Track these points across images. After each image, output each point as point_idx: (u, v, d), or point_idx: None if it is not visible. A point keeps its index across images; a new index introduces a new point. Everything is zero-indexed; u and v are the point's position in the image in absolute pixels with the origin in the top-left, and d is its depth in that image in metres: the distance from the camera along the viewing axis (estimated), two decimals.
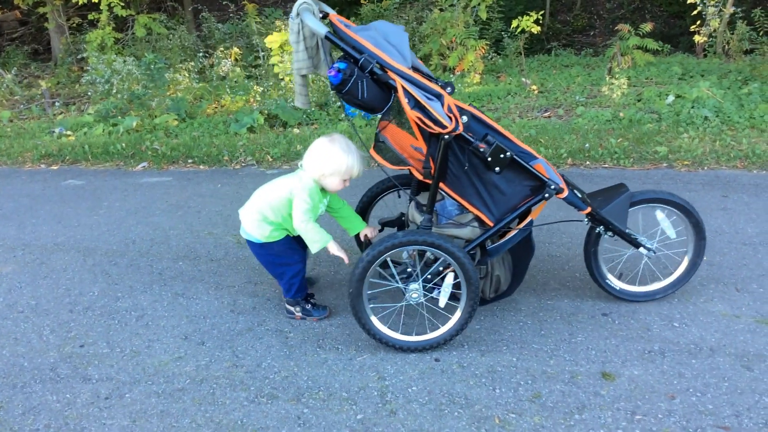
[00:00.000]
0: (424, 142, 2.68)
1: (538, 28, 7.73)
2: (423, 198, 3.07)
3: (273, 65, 7.81)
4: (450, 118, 2.58)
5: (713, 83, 6.90)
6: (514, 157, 2.74)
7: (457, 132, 2.61)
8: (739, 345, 2.87)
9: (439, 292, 2.87)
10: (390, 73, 2.55)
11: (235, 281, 3.60)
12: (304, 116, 6.52)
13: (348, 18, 10.34)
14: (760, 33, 8.75)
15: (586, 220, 3.03)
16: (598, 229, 3.06)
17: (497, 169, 2.75)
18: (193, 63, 8.99)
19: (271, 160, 5.48)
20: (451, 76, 8.53)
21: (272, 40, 7.73)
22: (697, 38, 8.99)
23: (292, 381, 2.74)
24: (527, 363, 2.81)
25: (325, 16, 2.72)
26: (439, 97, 2.63)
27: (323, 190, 2.99)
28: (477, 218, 2.90)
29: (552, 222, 3.34)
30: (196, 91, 8.03)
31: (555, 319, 3.14)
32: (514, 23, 7.75)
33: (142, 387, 2.73)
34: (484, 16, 8.92)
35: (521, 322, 3.11)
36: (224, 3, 11.69)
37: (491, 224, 2.87)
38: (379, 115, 2.80)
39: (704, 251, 3.18)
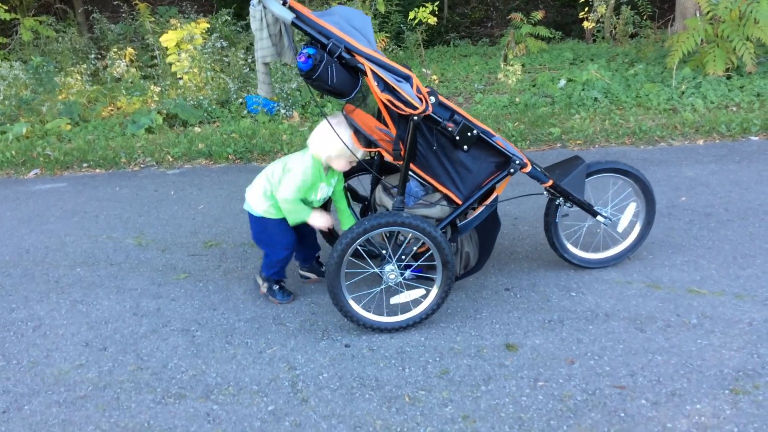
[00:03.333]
0: (393, 124, 2.71)
1: (435, 20, 7.87)
2: (389, 180, 3.10)
3: (170, 64, 7.61)
4: (420, 99, 2.62)
5: (602, 66, 7.23)
6: (480, 134, 2.81)
7: (427, 112, 2.64)
8: (631, 309, 3.03)
9: (411, 272, 2.95)
10: (358, 57, 2.56)
11: (137, 284, 3.49)
12: (205, 114, 6.40)
13: (247, 15, 10.16)
14: (644, 17, 9.23)
15: (545, 192, 3.15)
16: (557, 201, 3.17)
17: (465, 147, 2.82)
18: (85, 65, 8.63)
19: (171, 159, 5.34)
20: None
21: (168, 39, 7.52)
22: (586, 24, 9.38)
23: (200, 379, 2.69)
24: (435, 341, 2.87)
25: (284, 2, 2.66)
26: (407, 78, 2.65)
27: (331, 170, 2.97)
28: (445, 197, 2.95)
29: (514, 197, 3.37)
30: (90, 94, 7.71)
31: (461, 297, 3.21)
32: (411, 15, 7.85)
33: (42, 398, 2.62)
34: (382, 9, 8.98)
35: None
36: (116, 3, 11.28)
37: (460, 202, 2.93)
38: (343, 101, 2.81)
39: (654, 219, 3.34)
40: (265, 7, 2.65)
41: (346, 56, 2.55)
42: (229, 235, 3.98)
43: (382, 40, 8.59)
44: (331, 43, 2.53)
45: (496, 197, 2.99)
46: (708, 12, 6.60)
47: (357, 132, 2.82)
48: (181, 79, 7.43)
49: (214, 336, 2.98)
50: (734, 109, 5.88)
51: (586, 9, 9.32)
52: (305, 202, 2.98)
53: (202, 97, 6.72)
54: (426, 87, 2.78)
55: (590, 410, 2.42)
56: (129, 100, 7.25)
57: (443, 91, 7.29)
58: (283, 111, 6.28)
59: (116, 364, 2.82)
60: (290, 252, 3.11)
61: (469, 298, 3.20)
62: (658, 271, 3.34)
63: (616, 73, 7.04)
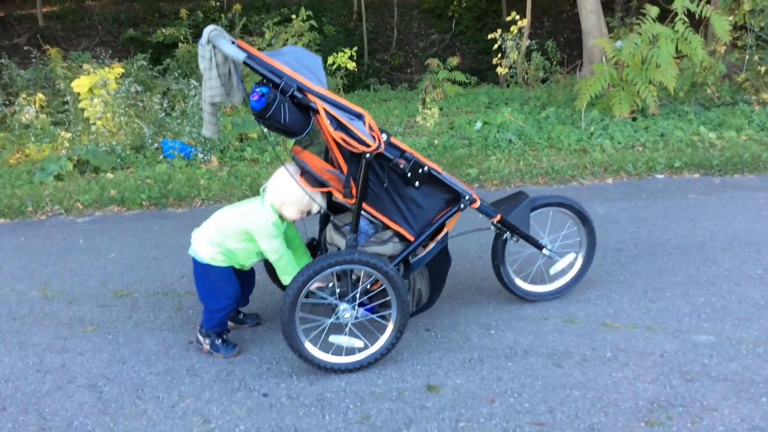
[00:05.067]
0: (344, 163, 2.72)
1: (353, 64, 7.99)
2: (338, 219, 3.08)
3: (83, 110, 7.38)
4: (373, 137, 2.65)
5: (515, 109, 7.47)
6: (431, 171, 2.86)
7: (380, 150, 2.68)
8: (549, 345, 3.07)
9: (365, 310, 2.93)
10: (310, 96, 2.57)
11: (42, 339, 3.29)
12: (119, 160, 6.21)
13: (164, 60, 10.05)
14: (554, 63, 9.65)
15: (493, 227, 3.20)
16: (504, 235, 3.22)
17: (417, 183, 2.85)
18: None
19: (81, 207, 5.13)
20: None
21: (80, 84, 7.32)
22: (499, 70, 9.73)
23: None
24: (356, 386, 2.81)
25: (232, 42, 2.63)
26: (359, 117, 2.68)
27: (281, 217, 2.91)
28: (397, 234, 2.96)
29: (463, 233, 3.37)
30: None
31: None
32: (330, 59, 7.94)
33: None
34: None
35: None
36: (27, 49, 10.95)
37: (412, 239, 2.94)
38: (292, 140, 2.83)
39: (594, 250, 3.45)
40: (214, 47, 2.61)
41: (298, 95, 2.56)
42: (141, 284, 3.82)
43: None
44: (283, 82, 2.54)
45: (447, 233, 3.02)
46: (613, 57, 6.96)
47: (305, 173, 2.81)
48: (93, 124, 7.22)
49: (123, 391, 2.82)
50: (640, 148, 6.17)
51: (499, 55, 9.67)
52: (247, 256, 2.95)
53: (115, 143, 6.53)
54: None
55: None
56: (38, 147, 6.97)
57: None
58: (200, 155, 6.18)
59: (17, 424, 2.62)
60: (233, 302, 3.00)
61: None
62: (573, 307, 3.40)
63: (529, 115, 7.29)
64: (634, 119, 6.85)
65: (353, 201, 2.77)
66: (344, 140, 2.60)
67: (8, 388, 2.89)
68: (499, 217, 3.13)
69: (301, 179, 2.81)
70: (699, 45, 6.58)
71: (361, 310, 2.91)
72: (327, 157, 2.84)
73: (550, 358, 2.96)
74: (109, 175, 5.86)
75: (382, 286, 2.84)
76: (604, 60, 7.49)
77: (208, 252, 2.90)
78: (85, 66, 8.59)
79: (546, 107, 7.74)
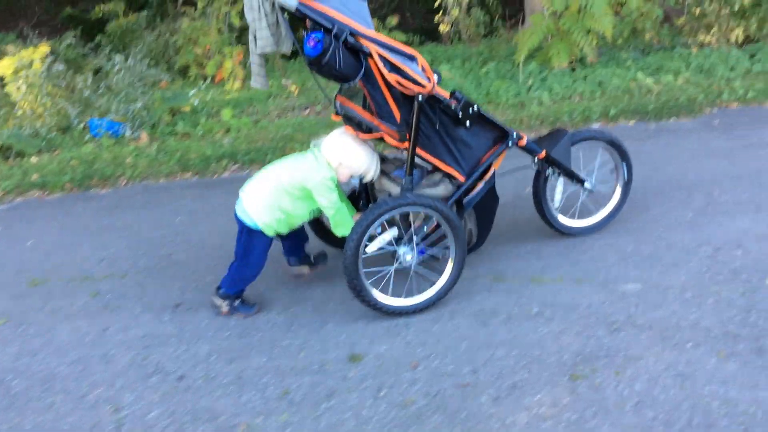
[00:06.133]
0: (396, 108, 2.72)
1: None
2: (386, 167, 3.07)
3: (8, 94, 7.05)
4: (427, 77, 2.68)
5: (457, 67, 7.34)
6: (480, 111, 2.88)
7: (434, 90, 2.70)
8: (476, 305, 3.01)
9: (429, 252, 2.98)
10: (362, 40, 2.57)
11: None
12: (44, 143, 5.93)
13: (96, 36, 9.65)
14: (496, 17, 9.51)
15: (535, 165, 3.24)
16: (547, 172, 3.26)
17: (468, 123, 2.86)
18: None
19: (1, 194, 4.89)
20: (212, 84, 8.27)
21: (4, 66, 6.98)
22: (442, 28, 9.55)
23: None
24: (277, 361, 2.72)
25: None
26: (412, 58, 2.70)
27: None
28: (447, 176, 2.99)
29: (506, 172, 3.33)
30: None
31: (307, 311, 3.08)
32: None
33: None
34: (237, 22, 8.76)
35: (272, 321, 3.01)
36: None
37: (462, 179, 2.97)
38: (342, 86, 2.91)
39: (631, 184, 3.51)
40: None
41: (351, 40, 2.56)
42: (58, 270, 3.63)
43: (239, 54, 8.37)
44: (336, 28, 2.53)
45: (494, 172, 3.06)
46: (549, 8, 6.84)
47: (350, 120, 2.87)
48: (18, 108, 6.90)
49: (31, 384, 2.68)
50: (577, 99, 6.11)
51: (441, 12, 9.49)
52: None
53: (40, 125, 6.24)
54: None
55: (432, 413, 2.35)
56: None
57: (303, 101, 7.17)
58: (129, 133, 5.94)
59: None
60: (258, 273, 3.01)
61: (316, 311, 3.07)
62: (503, 264, 3.34)
63: (471, 72, 7.16)
64: (573, 69, 6.77)
65: (404, 145, 2.79)
66: (399, 82, 2.61)
67: None
68: (544, 153, 3.15)
69: (349, 129, 2.86)
70: None
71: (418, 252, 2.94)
72: (364, 105, 2.91)
73: (476, 318, 2.90)
74: (33, 159, 5.61)
75: (438, 228, 2.89)
76: (545, 11, 7.37)
77: (266, 217, 2.84)
78: (10, 48, 8.21)
79: (487, 63, 7.61)
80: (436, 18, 9.63)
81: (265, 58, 2.92)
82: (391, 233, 2.86)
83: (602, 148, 3.49)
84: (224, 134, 6.01)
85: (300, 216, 2.92)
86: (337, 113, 3.04)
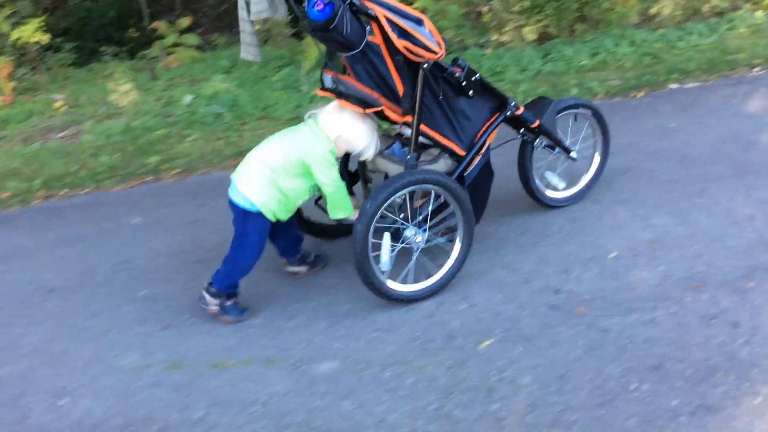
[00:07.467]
0: (399, 79, 2.55)
1: (44, 36, 6.74)
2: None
3: None
4: (437, 42, 2.49)
5: (250, 74, 6.66)
6: (482, 79, 2.73)
7: (443, 56, 2.52)
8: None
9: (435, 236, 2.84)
10: (367, 3, 2.37)
11: None
12: None
13: None
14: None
15: (523, 135, 3.13)
16: (535, 142, 3.15)
17: (471, 92, 2.72)
18: None
19: None
20: None
21: None
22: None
23: None
24: None
25: None
26: (419, 22, 2.49)
27: None
28: (445, 149, 2.83)
29: (496, 146, 3.10)
30: None
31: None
32: (14, 35, 6.65)
33: None
34: (6, 28, 7.64)
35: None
36: None
37: (462, 153, 2.84)
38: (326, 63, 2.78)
39: (610, 146, 3.54)
40: None
41: (357, 2, 2.35)
42: None
43: (5, 65, 7.27)
44: None
45: (489, 146, 2.93)
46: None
47: (349, 97, 2.60)
48: None
49: None
50: None
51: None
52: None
53: None
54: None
55: None
56: None
57: (67, 119, 6.24)
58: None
59: None
60: (253, 264, 2.76)
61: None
62: (183, 347, 2.72)
63: (259, 81, 6.48)
64: None
65: (406, 118, 2.61)
66: (407, 48, 2.42)
67: None
68: (538, 122, 3.04)
69: (343, 104, 2.62)
70: None
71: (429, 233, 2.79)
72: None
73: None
74: None
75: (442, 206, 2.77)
76: None
77: (263, 196, 2.61)
78: None
79: (284, 68, 6.99)
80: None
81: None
82: (387, 240, 2.70)
83: (582, 117, 3.45)
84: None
85: (299, 195, 2.71)
86: (324, 88, 2.78)
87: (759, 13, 7.21)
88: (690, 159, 3.92)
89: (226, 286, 2.77)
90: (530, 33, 6.72)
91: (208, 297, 2.78)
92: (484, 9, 7.01)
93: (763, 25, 6.85)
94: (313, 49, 6.14)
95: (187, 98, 5.81)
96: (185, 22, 7.87)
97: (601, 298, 2.76)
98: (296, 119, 5.43)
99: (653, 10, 7.16)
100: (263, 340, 2.69)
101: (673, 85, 5.35)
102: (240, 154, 4.69)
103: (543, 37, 7.05)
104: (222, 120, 5.43)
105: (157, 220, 3.77)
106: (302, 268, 3.10)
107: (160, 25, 7.81)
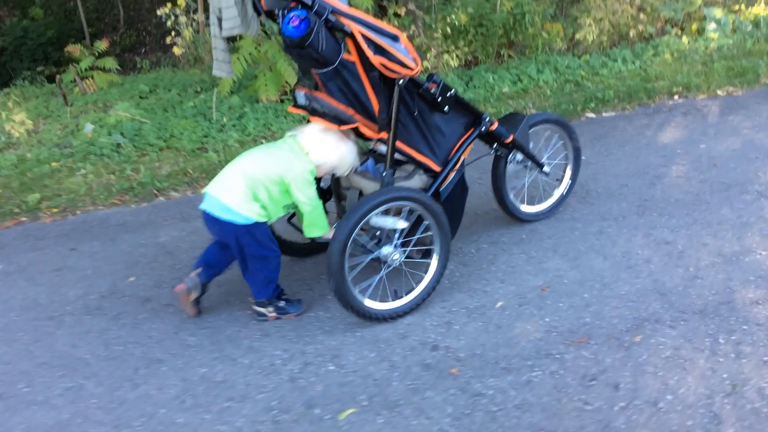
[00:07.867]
0: (374, 96, 2.53)
1: None
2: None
3: None
4: (413, 58, 2.49)
5: (168, 99, 6.36)
6: (456, 94, 2.74)
7: (418, 73, 2.51)
8: None
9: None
10: (343, 19, 2.36)
11: None
12: None
13: None
14: (239, 38, 8.63)
15: (496, 151, 3.15)
16: (510, 157, 3.19)
17: (446, 108, 2.72)
18: None
19: None
20: None
21: None
22: (176, 50, 8.53)
23: None
24: None
25: None
26: (395, 38, 2.48)
27: None
28: (422, 166, 2.82)
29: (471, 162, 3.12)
30: None
31: None
32: None
33: None
34: None
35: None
36: None
37: (438, 169, 2.83)
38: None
39: (580, 164, 3.59)
40: None
41: (332, 19, 2.34)
42: None
43: None
44: (317, 5, 2.31)
45: (463, 162, 2.92)
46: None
47: (323, 115, 2.58)
48: None
49: None
50: (271, 138, 5.35)
51: (173, 33, 8.47)
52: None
53: None
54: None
55: None
56: None
57: None
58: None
59: None
60: (279, 263, 2.74)
61: None
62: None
63: (179, 105, 6.18)
64: (281, 101, 6.04)
65: (382, 135, 2.59)
66: (383, 65, 2.41)
67: None
68: (511, 137, 3.04)
69: (317, 120, 2.61)
70: None
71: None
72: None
73: None
74: None
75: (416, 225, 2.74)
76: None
77: (251, 208, 2.56)
78: None
79: (203, 92, 6.71)
80: (168, 39, 8.61)
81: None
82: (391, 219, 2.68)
83: (552, 131, 3.49)
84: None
85: (274, 212, 2.66)
86: (296, 105, 2.74)
87: (685, 39, 7.20)
88: (594, 195, 3.77)
89: (270, 293, 2.78)
90: (452, 60, 6.58)
91: (261, 309, 2.82)
92: (410, 34, 6.83)
93: (686, 51, 6.83)
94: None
95: (89, 127, 5.48)
96: (102, 45, 7.54)
97: (479, 355, 2.55)
98: (201, 149, 5.16)
99: (579, 36, 7.09)
100: (99, 413, 2.40)
101: (590, 114, 5.24)
102: (131, 189, 4.40)
103: (471, 63, 6.93)
104: (121, 151, 5.11)
105: (19, 267, 3.44)
106: (193, 294, 2.82)
107: (75, 49, 7.46)
